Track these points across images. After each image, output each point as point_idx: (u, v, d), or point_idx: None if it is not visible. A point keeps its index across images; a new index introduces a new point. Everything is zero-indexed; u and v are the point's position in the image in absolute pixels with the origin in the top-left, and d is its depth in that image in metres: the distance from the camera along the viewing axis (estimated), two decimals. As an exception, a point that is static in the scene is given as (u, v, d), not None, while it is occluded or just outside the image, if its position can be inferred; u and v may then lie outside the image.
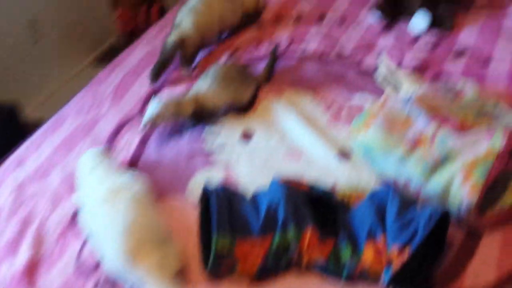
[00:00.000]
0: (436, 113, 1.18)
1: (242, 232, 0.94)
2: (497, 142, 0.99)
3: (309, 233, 0.94)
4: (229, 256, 0.92)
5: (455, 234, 1.04)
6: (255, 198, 1.04)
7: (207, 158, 1.32)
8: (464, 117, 1.21)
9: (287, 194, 0.98)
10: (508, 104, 1.32)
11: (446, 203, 1.05)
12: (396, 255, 0.89)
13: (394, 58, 1.60)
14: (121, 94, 1.60)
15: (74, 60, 2.99)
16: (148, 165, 1.31)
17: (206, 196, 1.02)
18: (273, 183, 1.07)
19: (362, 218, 0.96)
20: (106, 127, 1.46)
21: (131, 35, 3.19)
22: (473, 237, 1.04)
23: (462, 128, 1.13)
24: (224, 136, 1.38)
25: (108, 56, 3.23)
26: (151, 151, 1.36)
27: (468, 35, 1.70)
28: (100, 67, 3.10)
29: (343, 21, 1.88)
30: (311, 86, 1.54)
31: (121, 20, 3.18)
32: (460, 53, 1.61)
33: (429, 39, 1.70)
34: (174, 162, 1.31)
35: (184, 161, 1.31)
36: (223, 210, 0.96)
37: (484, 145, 1.01)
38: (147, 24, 3.06)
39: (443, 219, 0.93)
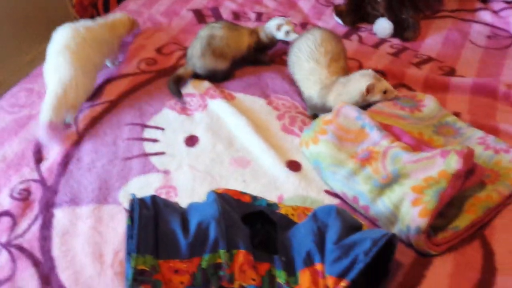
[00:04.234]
0: (389, 128, 1.10)
1: (166, 253, 0.84)
2: (452, 163, 0.92)
3: (241, 257, 0.84)
4: (149, 278, 0.82)
5: (403, 258, 0.96)
6: (187, 213, 0.93)
7: (145, 161, 1.21)
8: (420, 133, 1.14)
9: (221, 212, 0.88)
10: (470, 118, 1.26)
11: (395, 223, 0.98)
12: (332, 285, 0.80)
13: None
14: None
15: (27, 47, 2.81)
16: (79, 166, 1.20)
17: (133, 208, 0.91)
18: (210, 196, 0.96)
19: (301, 240, 0.87)
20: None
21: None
22: (422, 261, 0.96)
23: (418, 144, 1.06)
24: (165, 141, 1.27)
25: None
26: (85, 150, 1.25)
27: (432, 43, 1.63)
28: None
29: (304, 25, 1.77)
30: (266, 92, 1.43)
31: (79, 6, 3.01)
32: (423, 62, 1.53)
33: (392, 45, 1.63)
34: (108, 163, 1.21)
35: (119, 163, 1.21)
36: (147, 227, 0.85)
37: (438, 166, 0.93)
38: (106, 11, 2.90)
39: (389, 243, 0.85)
